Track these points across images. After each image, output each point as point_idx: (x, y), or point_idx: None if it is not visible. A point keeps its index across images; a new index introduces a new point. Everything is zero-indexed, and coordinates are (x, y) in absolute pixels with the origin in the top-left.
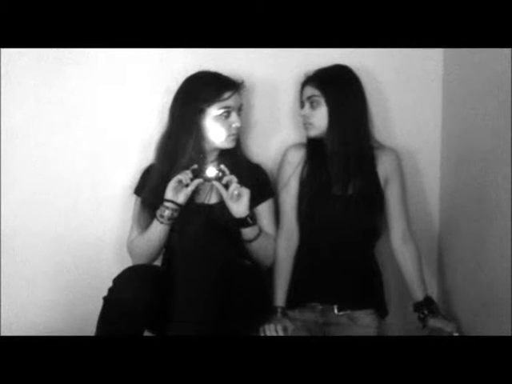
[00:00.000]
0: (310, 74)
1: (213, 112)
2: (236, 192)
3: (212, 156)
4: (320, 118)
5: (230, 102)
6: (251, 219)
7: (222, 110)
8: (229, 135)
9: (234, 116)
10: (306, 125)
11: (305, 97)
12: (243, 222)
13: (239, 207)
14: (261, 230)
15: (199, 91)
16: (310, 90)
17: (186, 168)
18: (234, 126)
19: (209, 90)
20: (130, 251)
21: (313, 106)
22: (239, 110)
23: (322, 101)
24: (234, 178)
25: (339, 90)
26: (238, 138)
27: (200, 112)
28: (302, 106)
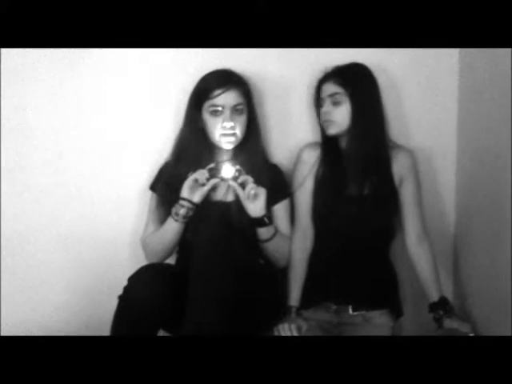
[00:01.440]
0: (329, 70)
1: (205, 110)
2: (252, 192)
3: (227, 154)
4: (342, 116)
5: (220, 101)
6: (268, 219)
7: (211, 108)
8: (222, 134)
9: (225, 115)
10: (327, 122)
11: (325, 94)
12: (259, 222)
13: (256, 207)
14: (276, 230)
15: (198, 89)
16: (332, 87)
17: (202, 166)
18: (224, 125)
19: (202, 88)
20: (144, 247)
21: (335, 103)
22: (235, 109)
23: (346, 98)
24: (249, 178)
25: (362, 88)
26: (250, 136)
27: (200, 110)
28: (319, 103)
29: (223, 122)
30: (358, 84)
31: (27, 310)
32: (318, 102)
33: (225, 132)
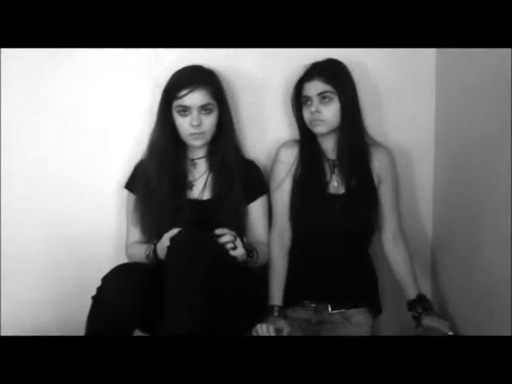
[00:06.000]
0: (309, 68)
1: (174, 109)
2: (230, 245)
3: (201, 151)
4: (333, 114)
5: (187, 101)
6: (250, 256)
7: (178, 108)
8: (190, 134)
9: (193, 115)
10: (316, 121)
11: (313, 92)
12: (245, 262)
13: (237, 254)
14: (257, 253)
15: (167, 88)
16: (320, 85)
17: (175, 164)
18: (191, 124)
19: (171, 87)
20: (127, 256)
21: (324, 101)
22: (203, 108)
23: (335, 96)
24: (226, 234)
25: (350, 86)
26: (223, 135)
27: (170, 109)
28: (301, 101)
29: (191, 122)
30: (344, 81)
31: (3, 310)
32: (300, 100)
33: (192, 131)
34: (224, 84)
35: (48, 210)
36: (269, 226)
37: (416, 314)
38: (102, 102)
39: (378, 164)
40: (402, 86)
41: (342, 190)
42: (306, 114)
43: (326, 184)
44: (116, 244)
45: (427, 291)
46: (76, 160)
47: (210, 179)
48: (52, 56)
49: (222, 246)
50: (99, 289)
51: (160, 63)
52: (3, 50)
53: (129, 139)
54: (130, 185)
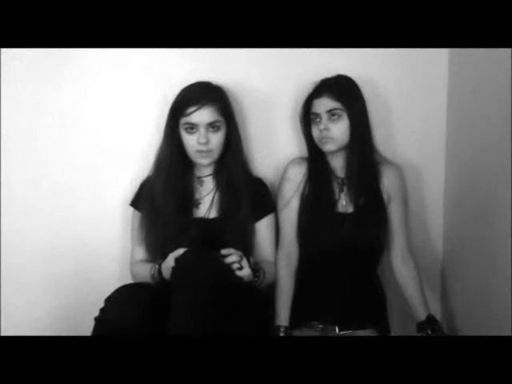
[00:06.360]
0: (318, 85)
1: (181, 127)
2: (236, 266)
3: (208, 169)
4: (342, 132)
5: (194, 119)
6: (257, 276)
7: (186, 126)
8: (197, 151)
9: (200, 133)
10: (325, 139)
11: (322, 109)
12: (251, 282)
13: (243, 275)
14: (264, 273)
15: (174, 105)
16: (329, 103)
17: (182, 182)
18: (199, 141)
19: (178, 104)
20: (132, 274)
21: (333, 119)
22: (211, 126)
23: (344, 114)
24: (231, 251)
25: (359, 102)
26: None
27: (177, 126)
28: (309, 118)
29: (198, 139)
30: (353, 98)
31: (5, 326)
32: (308, 117)
33: (200, 149)
34: (232, 100)
35: (48, 210)
36: (276, 244)
37: (425, 336)
38: (102, 102)
39: (388, 182)
40: (412, 101)
41: (350, 209)
42: (315, 132)
43: (334, 202)
44: (119, 259)
45: (437, 307)
46: (76, 160)
47: (216, 197)
48: (52, 56)
49: (228, 266)
50: (102, 310)
51: (168, 77)
52: (3, 50)
53: (135, 154)
54: (136, 202)
